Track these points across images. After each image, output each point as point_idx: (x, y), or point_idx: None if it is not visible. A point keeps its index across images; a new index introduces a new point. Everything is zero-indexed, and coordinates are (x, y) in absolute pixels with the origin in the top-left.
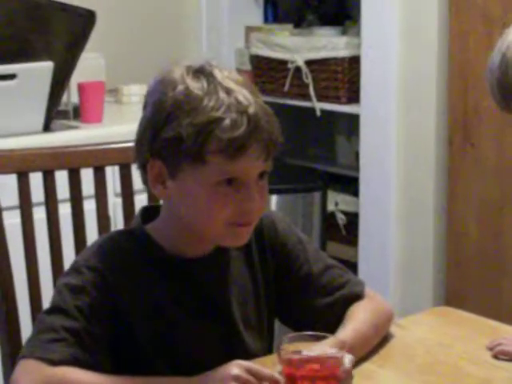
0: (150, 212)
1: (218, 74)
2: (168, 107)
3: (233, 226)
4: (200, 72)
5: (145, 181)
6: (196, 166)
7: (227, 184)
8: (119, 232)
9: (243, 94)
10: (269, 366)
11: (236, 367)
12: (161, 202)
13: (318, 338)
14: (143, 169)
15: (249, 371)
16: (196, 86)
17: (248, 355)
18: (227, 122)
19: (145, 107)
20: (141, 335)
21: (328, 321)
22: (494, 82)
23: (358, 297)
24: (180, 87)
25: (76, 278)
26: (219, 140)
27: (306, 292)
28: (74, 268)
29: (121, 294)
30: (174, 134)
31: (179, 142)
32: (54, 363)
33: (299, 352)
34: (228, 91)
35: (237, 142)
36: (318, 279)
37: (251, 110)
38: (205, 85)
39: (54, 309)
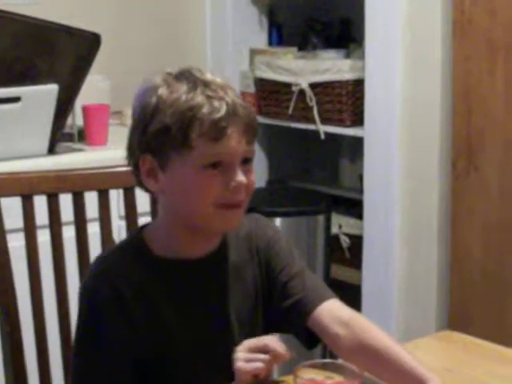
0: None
1: (196, 72)
2: (153, 104)
3: (221, 209)
4: (180, 74)
5: (139, 182)
6: (183, 153)
7: (213, 167)
8: (116, 250)
9: (221, 85)
10: None
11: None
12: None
13: (334, 365)
14: (136, 169)
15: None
16: (177, 84)
17: None
18: (207, 107)
19: (133, 114)
20: (144, 340)
21: (291, 322)
22: None
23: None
24: (162, 87)
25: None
26: (201, 124)
27: (279, 295)
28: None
29: (130, 304)
30: (160, 126)
31: (165, 132)
32: None
33: (313, 378)
34: (206, 84)
35: (218, 125)
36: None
37: (229, 97)
38: (185, 82)
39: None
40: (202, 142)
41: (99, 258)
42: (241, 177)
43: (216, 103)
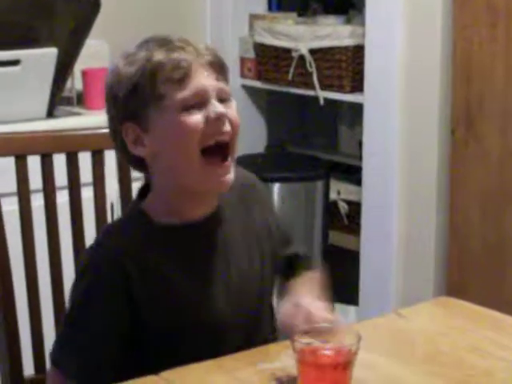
0: (147, 189)
1: (154, 35)
2: (115, 74)
3: (209, 164)
4: (138, 45)
5: (129, 160)
6: (157, 105)
7: (190, 109)
8: (117, 222)
9: (180, 38)
10: (280, 350)
11: None
12: None
13: (332, 330)
14: (123, 147)
15: None
16: (135, 51)
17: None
18: (165, 54)
19: (105, 99)
20: (150, 312)
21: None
22: None
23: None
24: (122, 60)
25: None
26: (163, 69)
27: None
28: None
29: (132, 275)
30: (128, 86)
31: (134, 91)
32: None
33: (311, 343)
34: (164, 39)
35: (180, 65)
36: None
37: (188, 45)
38: (144, 47)
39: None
40: (170, 87)
41: (103, 229)
42: (219, 107)
43: (174, 49)
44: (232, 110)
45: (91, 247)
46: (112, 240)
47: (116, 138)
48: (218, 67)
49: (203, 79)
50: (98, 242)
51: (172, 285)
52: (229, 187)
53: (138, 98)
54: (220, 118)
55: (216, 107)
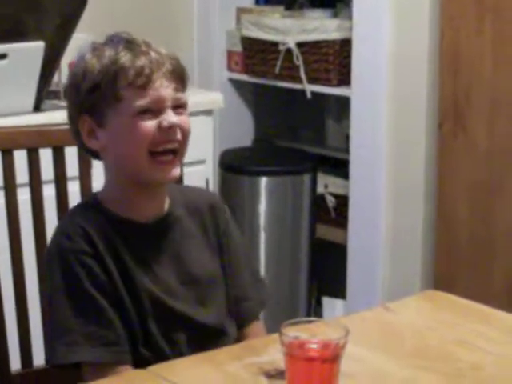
0: None
1: (122, 34)
2: (82, 68)
3: (157, 162)
4: (106, 39)
5: (84, 147)
6: (114, 106)
7: (144, 114)
8: (75, 207)
9: (145, 42)
10: (268, 343)
11: None
12: None
13: (319, 324)
14: (78, 136)
15: None
16: (103, 47)
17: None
18: (130, 58)
19: (66, 86)
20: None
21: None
22: None
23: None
24: (89, 53)
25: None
26: (126, 74)
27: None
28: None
29: (99, 247)
30: (90, 84)
31: (96, 90)
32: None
33: (298, 336)
34: (129, 41)
35: (141, 72)
36: (241, 275)
37: (152, 50)
38: (110, 44)
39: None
40: (130, 92)
41: (64, 216)
42: (172, 117)
43: (139, 55)
44: (185, 117)
45: (58, 224)
46: (78, 217)
47: (73, 127)
48: (179, 76)
49: (162, 89)
50: (63, 221)
51: (128, 271)
52: (174, 180)
53: (99, 95)
54: (172, 128)
55: (170, 117)
